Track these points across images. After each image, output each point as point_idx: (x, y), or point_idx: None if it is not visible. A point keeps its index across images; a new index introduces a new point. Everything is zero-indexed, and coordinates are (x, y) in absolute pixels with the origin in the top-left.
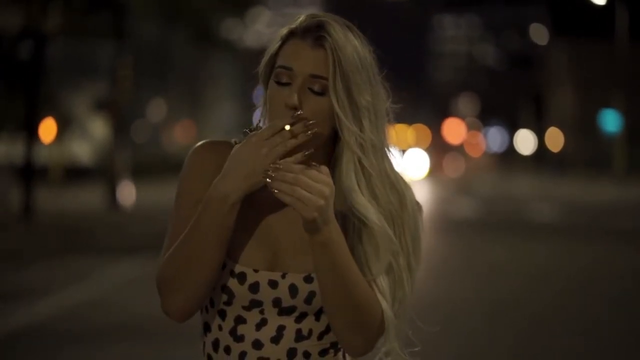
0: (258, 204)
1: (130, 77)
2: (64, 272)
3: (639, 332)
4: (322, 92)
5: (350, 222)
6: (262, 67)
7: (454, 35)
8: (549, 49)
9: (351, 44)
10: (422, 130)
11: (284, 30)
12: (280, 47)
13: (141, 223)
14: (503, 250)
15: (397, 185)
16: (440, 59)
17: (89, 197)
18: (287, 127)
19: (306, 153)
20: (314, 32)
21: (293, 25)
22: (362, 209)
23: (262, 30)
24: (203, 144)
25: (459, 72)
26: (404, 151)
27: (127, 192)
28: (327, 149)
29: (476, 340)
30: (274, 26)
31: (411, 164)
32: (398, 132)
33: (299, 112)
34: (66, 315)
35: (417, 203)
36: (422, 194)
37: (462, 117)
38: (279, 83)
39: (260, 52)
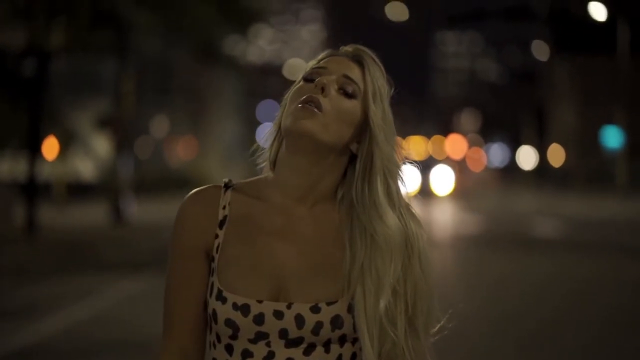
0: (260, 230)
1: (134, 93)
2: (68, 288)
3: None
4: (353, 96)
5: (364, 243)
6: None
7: (456, 52)
8: (551, 65)
9: (384, 78)
10: (440, 142)
11: (324, 53)
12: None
13: (144, 239)
14: (505, 265)
15: (411, 218)
16: (442, 75)
17: (92, 214)
18: None
19: None
20: (352, 52)
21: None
22: (385, 226)
23: (265, 46)
24: (189, 196)
25: (460, 87)
26: (420, 163)
27: (131, 208)
28: (340, 163)
29: (479, 354)
30: (275, 42)
31: (437, 180)
32: (416, 143)
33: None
34: (70, 333)
35: (427, 255)
36: (446, 210)
37: (464, 133)
38: (307, 80)
39: (263, 68)
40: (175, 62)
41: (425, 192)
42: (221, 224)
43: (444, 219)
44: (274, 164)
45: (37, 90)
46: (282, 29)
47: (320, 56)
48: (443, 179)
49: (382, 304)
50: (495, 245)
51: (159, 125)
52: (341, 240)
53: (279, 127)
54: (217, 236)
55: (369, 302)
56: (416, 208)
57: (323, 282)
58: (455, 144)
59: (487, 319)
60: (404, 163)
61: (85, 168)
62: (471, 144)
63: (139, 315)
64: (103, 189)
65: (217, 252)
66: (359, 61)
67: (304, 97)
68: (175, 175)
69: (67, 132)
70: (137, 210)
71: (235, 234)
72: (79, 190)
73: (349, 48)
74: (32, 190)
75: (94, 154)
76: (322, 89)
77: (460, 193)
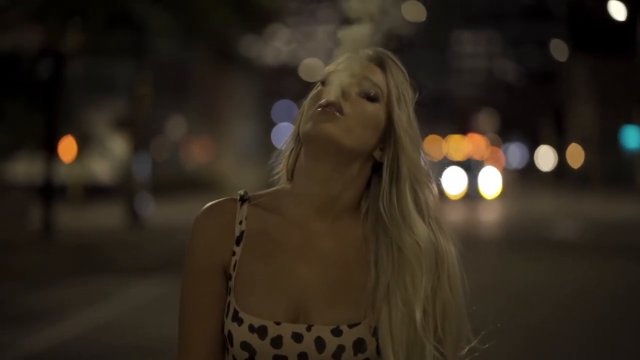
0: (278, 247)
1: (150, 94)
2: (82, 293)
3: None
4: (375, 99)
5: (391, 259)
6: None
7: (473, 52)
8: (569, 65)
9: (407, 81)
10: (479, 140)
11: (343, 56)
12: None
13: (161, 241)
14: (524, 268)
15: (440, 232)
16: (459, 75)
17: (109, 216)
18: None
19: None
20: (373, 54)
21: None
22: (416, 238)
23: (281, 47)
24: (204, 210)
25: (478, 88)
26: (461, 163)
27: (147, 210)
28: (363, 172)
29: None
30: (292, 43)
31: (485, 181)
32: (457, 142)
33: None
34: (86, 337)
35: (456, 272)
36: (495, 211)
37: (482, 133)
38: (325, 84)
39: (279, 68)
40: (192, 63)
41: (472, 193)
42: (238, 240)
43: (489, 219)
44: (291, 174)
45: (53, 92)
46: (298, 29)
47: (339, 59)
48: (490, 181)
49: (418, 316)
50: (512, 247)
51: (175, 127)
52: (364, 257)
53: (298, 134)
54: (234, 253)
55: (395, 323)
56: (459, 210)
57: (345, 303)
58: (475, 144)
59: (494, 317)
60: (447, 165)
61: (101, 170)
62: (489, 144)
63: (151, 321)
64: (119, 190)
65: (234, 270)
66: (380, 64)
67: (324, 100)
68: (192, 177)
69: (83, 134)
70: (154, 212)
71: (253, 251)
72: (95, 192)
73: (369, 50)
74: (49, 192)
75: (111, 156)
76: (343, 92)
77: (507, 195)
